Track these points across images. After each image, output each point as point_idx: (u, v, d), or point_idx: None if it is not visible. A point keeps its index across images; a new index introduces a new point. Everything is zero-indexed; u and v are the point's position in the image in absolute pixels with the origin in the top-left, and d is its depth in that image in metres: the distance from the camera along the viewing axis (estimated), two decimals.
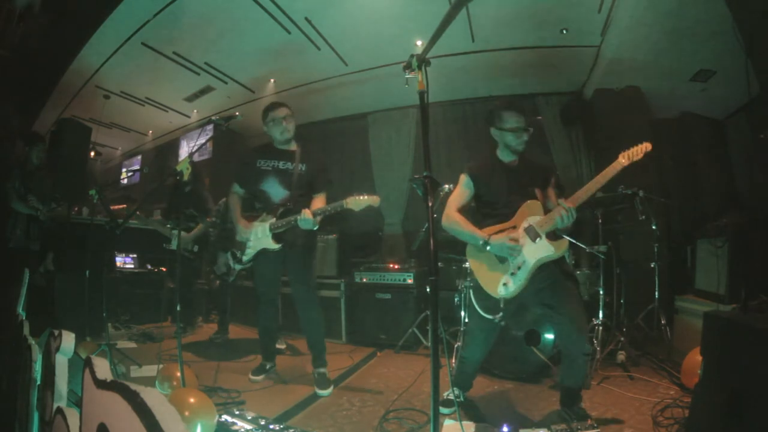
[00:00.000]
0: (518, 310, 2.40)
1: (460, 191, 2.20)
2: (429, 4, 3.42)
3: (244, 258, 2.72)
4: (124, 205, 4.93)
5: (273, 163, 2.73)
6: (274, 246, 2.61)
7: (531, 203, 2.05)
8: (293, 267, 2.76)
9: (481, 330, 2.20)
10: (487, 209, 2.19)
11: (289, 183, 2.69)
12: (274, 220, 2.62)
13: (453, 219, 2.11)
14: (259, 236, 2.66)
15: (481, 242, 2.01)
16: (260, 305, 2.85)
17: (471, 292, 2.19)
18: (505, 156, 2.20)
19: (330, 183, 2.78)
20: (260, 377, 2.78)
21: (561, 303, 1.98)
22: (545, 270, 2.01)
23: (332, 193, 2.71)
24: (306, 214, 2.41)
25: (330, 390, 2.61)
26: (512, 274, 1.99)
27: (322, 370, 2.72)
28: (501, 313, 2.02)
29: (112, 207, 4.21)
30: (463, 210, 2.17)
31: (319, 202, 2.63)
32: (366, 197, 2.34)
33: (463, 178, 2.21)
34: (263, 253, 2.67)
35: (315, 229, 2.51)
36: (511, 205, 2.09)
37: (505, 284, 2.00)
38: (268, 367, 2.85)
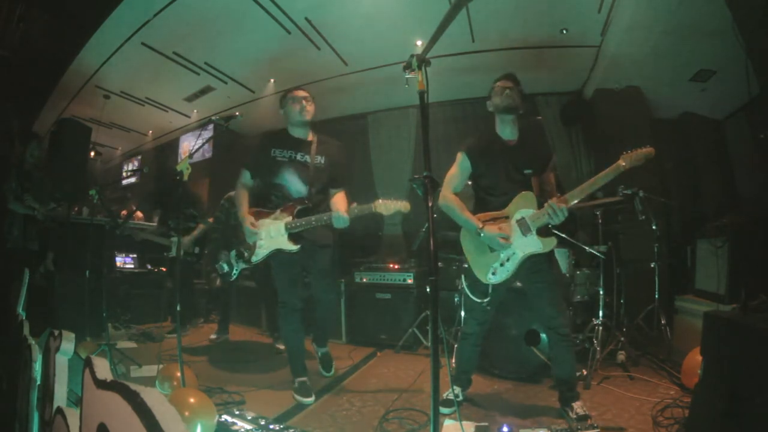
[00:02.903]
0: (514, 298, 2.55)
1: (457, 171, 2.23)
2: (429, 4, 3.42)
3: (254, 258, 2.50)
4: (135, 212, 4.92)
5: (289, 153, 2.52)
6: (292, 247, 2.41)
7: (525, 194, 2.09)
8: (318, 267, 2.61)
9: (475, 309, 2.27)
10: (484, 194, 2.23)
11: (306, 177, 2.48)
12: (290, 218, 2.43)
13: (449, 201, 2.16)
14: (272, 235, 2.45)
15: (474, 229, 2.08)
16: (284, 314, 2.54)
17: (462, 274, 2.30)
18: (504, 132, 2.22)
19: (349, 178, 2.65)
20: (312, 398, 2.42)
21: (545, 287, 2.12)
22: (537, 256, 2.09)
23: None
24: (341, 212, 2.30)
25: (333, 371, 2.81)
26: (501, 264, 2.09)
27: (325, 349, 2.88)
28: (488, 298, 2.13)
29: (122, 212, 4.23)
30: (460, 191, 2.22)
31: (340, 198, 2.49)
32: (396, 203, 2.26)
33: (460, 157, 2.22)
34: (278, 254, 2.46)
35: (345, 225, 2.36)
36: (507, 194, 2.13)
37: (493, 273, 2.10)
38: (308, 382, 2.53)
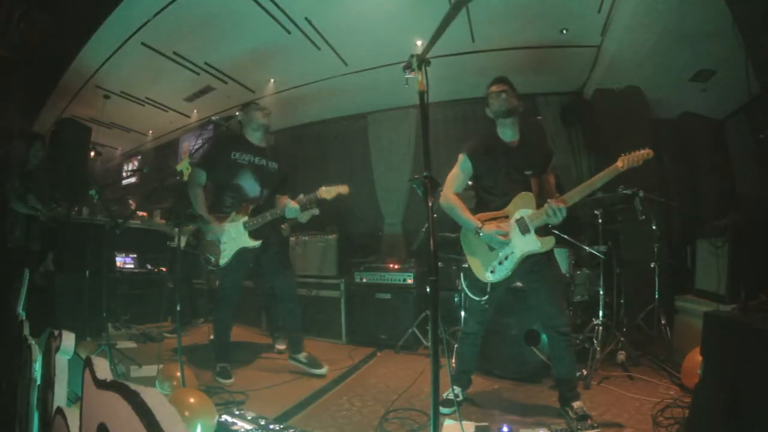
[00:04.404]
0: (513, 299, 2.58)
1: (458, 172, 2.25)
2: (429, 4, 3.42)
3: (222, 262, 2.67)
4: (144, 214, 4.91)
5: (249, 157, 2.73)
6: (255, 243, 2.65)
7: (525, 195, 2.11)
8: (275, 266, 2.83)
9: (475, 308, 2.28)
10: (484, 194, 2.25)
11: (263, 180, 2.75)
12: (246, 218, 2.65)
13: (450, 201, 2.18)
14: (233, 236, 2.65)
15: (473, 228, 2.10)
16: (224, 305, 2.83)
17: (462, 273, 2.32)
18: (505, 135, 2.23)
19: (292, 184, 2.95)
20: (232, 379, 2.69)
21: (544, 286, 2.11)
22: (536, 256, 2.10)
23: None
24: (291, 203, 2.59)
25: (326, 369, 2.81)
26: (500, 263, 2.10)
27: (305, 353, 2.88)
28: (487, 296, 2.15)
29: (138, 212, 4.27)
30: (461, 192, 2.24)
31: (285, 199, 2.74)
32: (336, 187, 2.59)
33: (461, 158, 2.25)
34: (241, 253, 2.67)
35: (302, 217, 2.70)
36: (507, 194, 2.14)
37: (492, 271, 2.12)
38: (229, 367, 2.77)
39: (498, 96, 2.17)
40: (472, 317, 2.32)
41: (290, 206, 2.59)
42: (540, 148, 2.29)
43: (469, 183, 2.33)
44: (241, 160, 2.70)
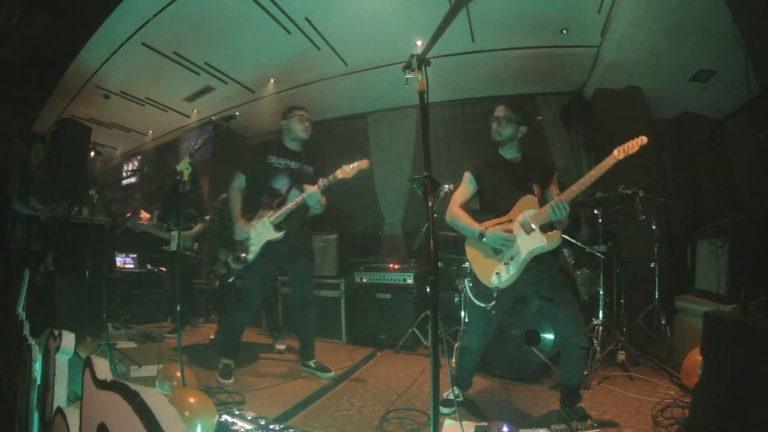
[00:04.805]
0: (517, 304, 2.51)
1: (463, 188, 2.30)
2: (429, 4, 3.42)
3: (249, 257, 2.75)
4: (148, 215, 4.90)
5: (285, 161, 2.82)
6: (278, 235, 2.70)
7: (527, 198, 2.13)
8: (299, 272, 2.88)
9: (479, 319, 2.26)
10: (487, 204, 2.28)
11: (296, 182, 2.80)
12: (272, 212, 2.73)
13: (454, 213, 2.22)
14: (260, 232, 2.73)
15: (477, 234, 2.10)
16: (245, 305, 2.83)
17: (467, 280, 2.30)
18: (506, 153, 2.28)
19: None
20: (231, 379, 2.70)
21: (559, 297, 2.07)
22: (543, 263, 2.09)
23: (329, 196, 2.79)
24: (309, 188, 2.59)
25: (332, 373, 2.84)
26: (505, 264, 2.09)
27: (316, 360, 2.92)
28: (493, 302, 2.11)
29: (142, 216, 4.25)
30: (466, 207, 2.26)
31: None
32: (355, 164, 2.57)
33: (467, 176, 2.30)
34: (267, 247, 2.72)
35: (320, 207, 2.66)
36: (509, 200, 2.16)
37: (497, 273, 2.10)
38: (233, 366, 2.81)
39: (492, 123, 2.25)
40: (475, 330, 2.28)
41: (309, 192, 2.59)
42: (541, 163, 2.33)
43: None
44: (277, 164, 2.80)
